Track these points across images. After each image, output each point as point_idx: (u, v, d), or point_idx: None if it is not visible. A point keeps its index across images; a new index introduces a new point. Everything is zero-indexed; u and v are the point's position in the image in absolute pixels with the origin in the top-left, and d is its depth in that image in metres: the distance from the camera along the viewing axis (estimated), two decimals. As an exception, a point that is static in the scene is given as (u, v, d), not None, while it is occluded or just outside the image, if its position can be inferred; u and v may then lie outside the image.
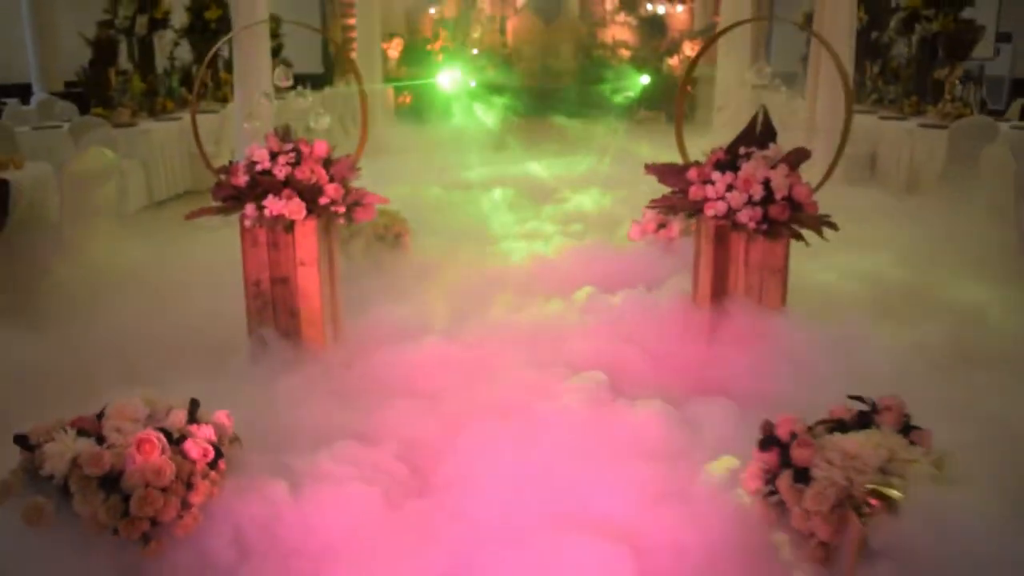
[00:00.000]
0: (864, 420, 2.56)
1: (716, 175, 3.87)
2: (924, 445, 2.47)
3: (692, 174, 3.99)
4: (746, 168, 3.79)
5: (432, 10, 16.34)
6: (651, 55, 16.15)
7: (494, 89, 14.46)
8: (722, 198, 3.82)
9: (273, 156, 3.98)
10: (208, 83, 10.64)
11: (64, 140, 8.49)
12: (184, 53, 10.85)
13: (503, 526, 2.67)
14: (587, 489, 2.87)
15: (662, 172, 4.17)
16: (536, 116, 14.12)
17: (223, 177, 4.08)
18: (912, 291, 5.15)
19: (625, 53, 16.31)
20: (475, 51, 15.82)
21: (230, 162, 4.19)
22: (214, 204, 4.09)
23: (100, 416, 2.60)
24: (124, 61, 10.21)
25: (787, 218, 3.74)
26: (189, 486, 2.48)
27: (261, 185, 3.92)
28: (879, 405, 2.59)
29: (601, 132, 11.47)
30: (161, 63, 10.58)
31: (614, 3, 16.82)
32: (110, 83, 9.60)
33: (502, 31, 16.48)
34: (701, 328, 4.03)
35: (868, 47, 11.08)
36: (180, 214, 7.32)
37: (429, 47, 15.83)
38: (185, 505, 2.47)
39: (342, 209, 4.04)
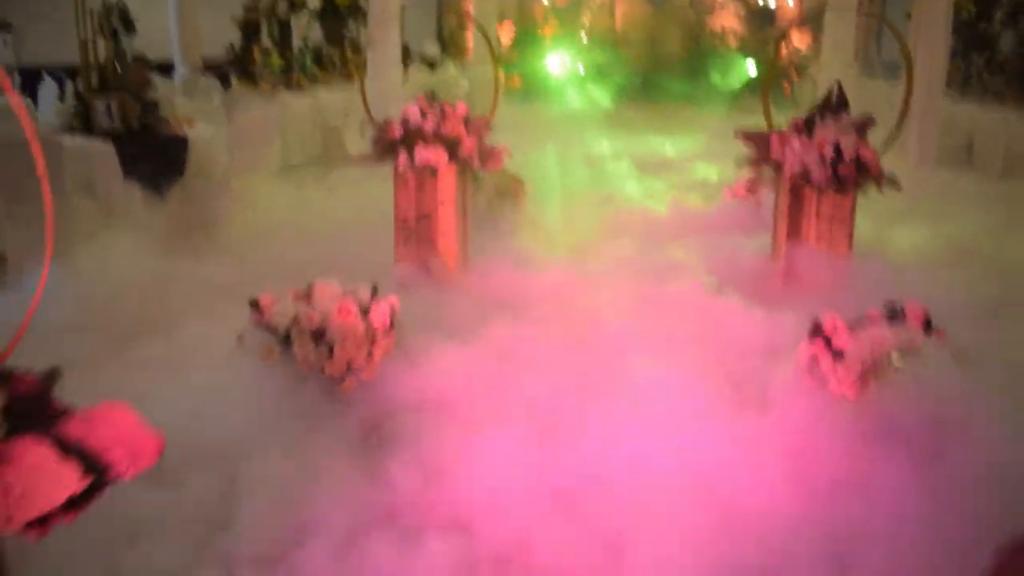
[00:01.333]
0: (893, 318, 3.22)
1: (794, 138, 4.54)
2: (940, 339, 3.12)
3: (775, 138, 4.67)
4: (819, 132, 4.45)
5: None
6: (759, 44, 16.39)
7: (602, 74, 15.01)
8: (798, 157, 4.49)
9: (423, 114, 4.83)
10: (336, 62, 11.62)
11: (216, 109, 9.60)
12: (314, 34, 11.85)
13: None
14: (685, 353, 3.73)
15: (750, 137, 4.87)
16: (643, 100, 14.55)
17: (381, 132, 4.95)
18: (975, 252, 5.67)
19: (733, 41, 16.56)
20: (584, 38, 16.37)
21: (386, 120, 5.06)
22: (373, 152, 4.96)
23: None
24: (263, 40, 11.30)
25: (853, 176, 4.38)
26: (373, 343, 3.36)
27: (413, 137, 4.79)
28: (906, 309, 3.24)
29: (705, 116, 11.95)
30: (296, 43, 11.64)
31: (724, -9, 17.09)
32: (254, 60, 10.72)
33: (611, 16, 16.92)
34: (779, 265, 4.74)
35: (976, 38, 11.15)
36: (313, 177, 8.31)
37: (540, 32, 16.45)
38: (370, 356, 3.34)
39: (477, 159, 4.88)
